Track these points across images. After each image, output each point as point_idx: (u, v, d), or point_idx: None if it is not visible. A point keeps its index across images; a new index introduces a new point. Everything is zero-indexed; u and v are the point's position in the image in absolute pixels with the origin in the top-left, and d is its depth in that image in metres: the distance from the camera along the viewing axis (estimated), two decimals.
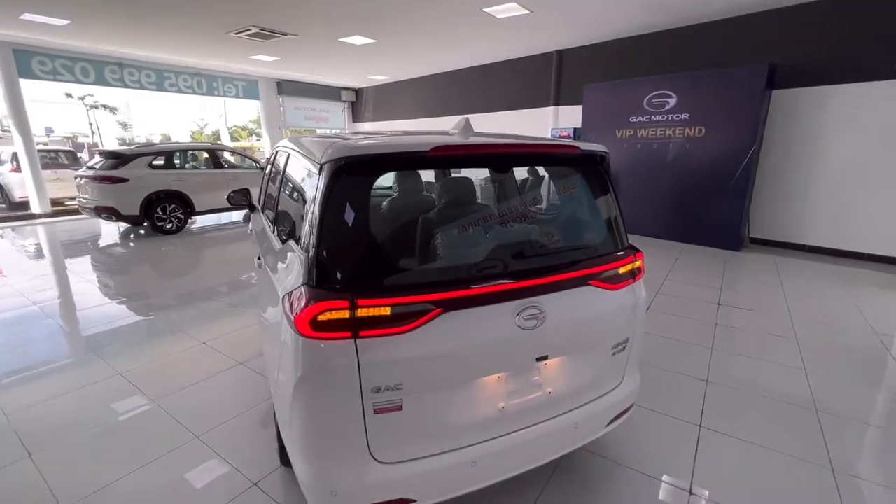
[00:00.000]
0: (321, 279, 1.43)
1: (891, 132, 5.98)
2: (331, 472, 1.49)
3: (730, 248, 6.89)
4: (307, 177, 1.79)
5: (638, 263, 1.96)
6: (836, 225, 6.62)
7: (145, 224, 7.79)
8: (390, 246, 1.72)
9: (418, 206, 2.31)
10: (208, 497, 2.07)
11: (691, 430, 2.56)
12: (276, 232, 2.31)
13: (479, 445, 1.64)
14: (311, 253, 1.46)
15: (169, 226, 7.83)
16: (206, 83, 11.67)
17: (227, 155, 9.18)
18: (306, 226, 1.55)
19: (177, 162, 8.07)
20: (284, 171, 2.43)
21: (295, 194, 2.05)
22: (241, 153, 9.52)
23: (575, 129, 8.78)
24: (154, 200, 7.62)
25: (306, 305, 1.40)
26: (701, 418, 2.67)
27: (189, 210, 8.11)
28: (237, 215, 10.20)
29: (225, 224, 9.25)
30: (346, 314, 1.38)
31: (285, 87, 13.33)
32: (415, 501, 1.57)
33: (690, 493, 2.10)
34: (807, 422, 2.64)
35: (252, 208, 3.84)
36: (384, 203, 2.51)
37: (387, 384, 1.43)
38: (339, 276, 1.45)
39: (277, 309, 1.66)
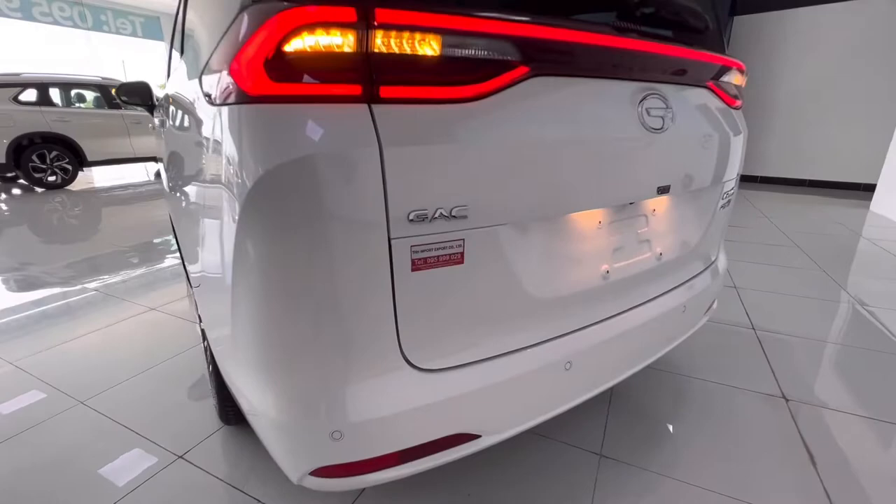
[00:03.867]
0: None
1: (841, 54, 6.01)
2: (328, 397, 0.76)
3: None
4: None
5: (743, 83, 1.35)
6: (794, 154, 6.68)
7: (17, 178, 6.13)
8: None
9: None
10: (112, 481, 1.25)
11: (748, 334, 2.11)
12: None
13: (575, 335, 0.98)
14: None
15: (52, 178, 6.25)
16: (92, 15, 9.56)
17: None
18: None
19: (57, 99, 6.40)
20: None
21: None
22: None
23: None
24: (27, 146, 5.98)
25: (260, 25, 0.63)
26: (751, 322, 2.23)
27: (79, 160, 6.53)
28: (149, 172, 8.55)
29: (132, 184, 7.62)
30: (350, 38, 0.63)
31: None
32: (478, 437, 0.89)
33: (786, 399, 1.62)
34: (857, 312, 2.31)
35: (151, 108, 2.81)
36: None
37: (439, 205, 0.71)
38: None
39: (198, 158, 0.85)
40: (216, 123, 0.75)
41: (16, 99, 5.96)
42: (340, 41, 0.63)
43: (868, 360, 1.89)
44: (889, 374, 1.78)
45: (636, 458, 1.32)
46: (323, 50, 0.63)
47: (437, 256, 0.74)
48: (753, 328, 2.19)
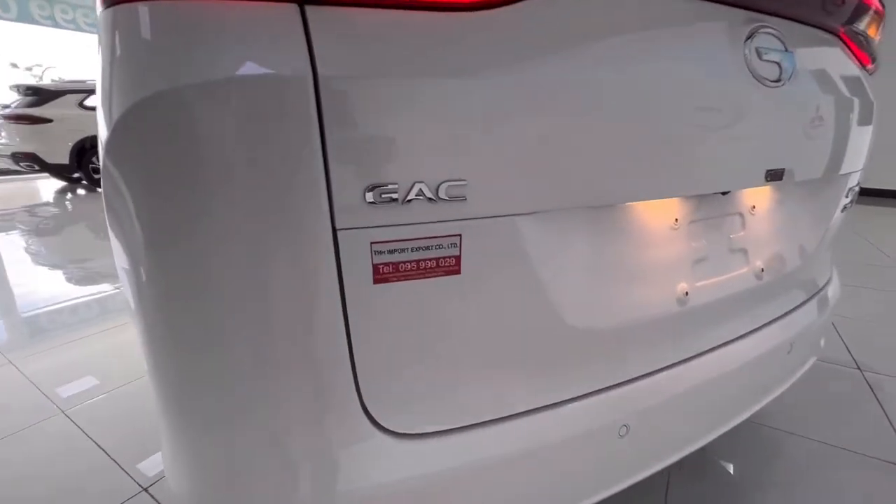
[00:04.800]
0: None
1: None
2: (243, 483, 0.49)
3: None
4: None
5: (877, 36, 0.98)
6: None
7: (82, 179, 6.51)
8: None
9: None
10: None
11: (852, 376, 1.66)
12: None
13: (635, 385, 0.66)
14: None
15: None
16: None
17: None
18: None
19: None
20: None
21: None
22: None
23: None
24: (89, 148, 6.32)
25: None
26: (854, 360, 1.77)
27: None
28: None
29: None
30: None
31: None
32: None
33: None
34: None
35: None
36: None
37: (418, 177, 0.43)
38: None
39: None
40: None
41: (81, 104, 6.33)
42: None
43: None
44: None
45: None
46: None
47: (417, 261, 0.46)
48: (859, 368, 1.74)
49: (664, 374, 0.69)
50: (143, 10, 0.39)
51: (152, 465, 1.22)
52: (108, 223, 0.46)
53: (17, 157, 6.02)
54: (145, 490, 1.14)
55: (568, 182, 0.51)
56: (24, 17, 8.35)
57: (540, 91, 0.47)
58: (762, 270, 0.79)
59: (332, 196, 0.42)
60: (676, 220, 0.67)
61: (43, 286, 2.78)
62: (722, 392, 0.77)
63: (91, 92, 6.46)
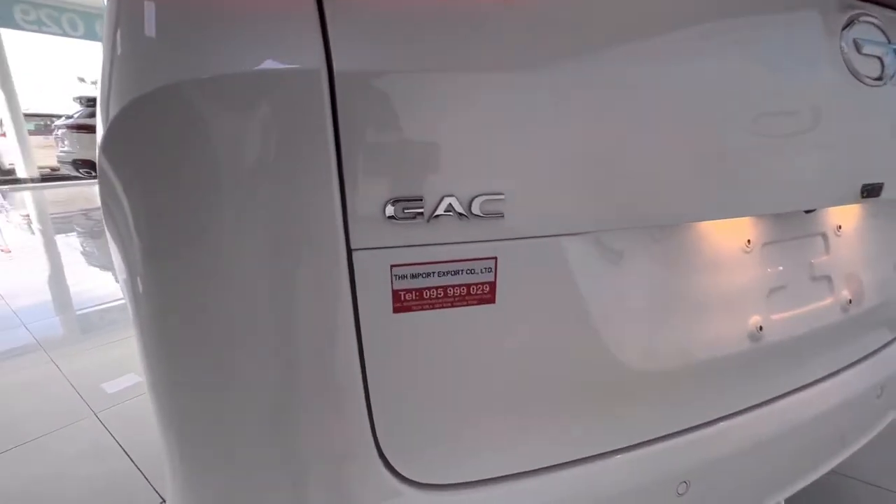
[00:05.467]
0: None
1: None
2: None
3: None
4: None
5: None
6: None
7: None
8: None
9: None
10: None
11: None
12: None
13: (698, 434, 0.56)
14: None
15: None
16: None
17: None
18: None
19: None
20: None
21: None
22: None
23: None
24: None
25: None
26: None
27: None
28: None
29: None
30: None
31: None
32: None
33: None
34: None
35: None
36: None
37: (448, 190, 0.37)
38: None
39: None
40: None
41: None
42: None
43: None
44: None
45: None
46: None
47: (445, 288, 0.39)
48: None
49: (732, 421, 0.58)
50: None
51: None
52: (105, 229, 0.42)
53: (77, 163, 6.46)
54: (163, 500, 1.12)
55: (625, 197, 0.43)
56: (91, 35, 9.00)
57: (592, 90, 0.40)
58: (849, 302, 0.67)
59: (347, 209, 0.36)
60: (749, 241, 0.57)
61: (95, 286, 2.91)
62: (799, 443, 0.66)
63: None
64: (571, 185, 0.40)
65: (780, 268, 0.61)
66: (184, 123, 0.34)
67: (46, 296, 2.83)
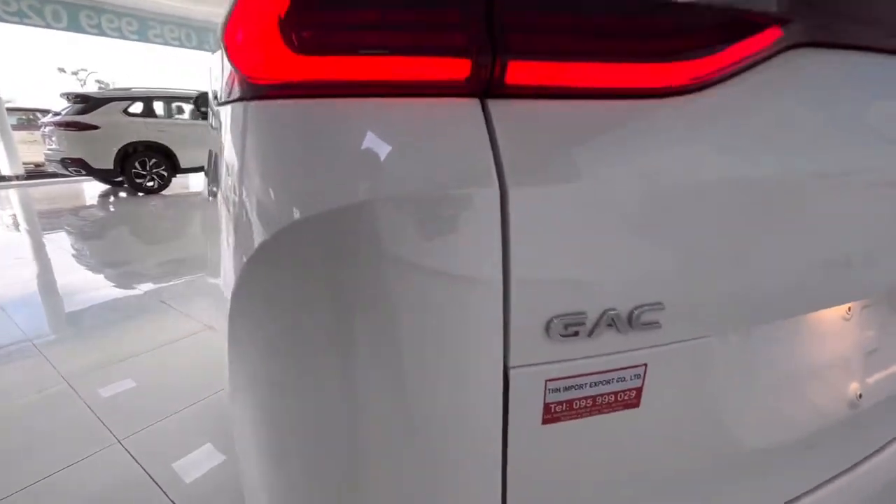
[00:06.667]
0: None
1: None
2: None
3: None
4: None
5: None
6: None
7: (123, 183, 6.71)
8: None
9: None
10: None
11: None
12: None
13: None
14: None
15: (150, 184, 6.74)
16: (196, 35, 10.45)
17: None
18: None
19: (158, 111, 6.94)
20: None
21: None
22: None
23: None
24: (131, 153, 6.51)
25: None
26: None
27: (173, 167, 7.01)
28: None
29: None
30: None
31: None
32: None
33: None
34: None
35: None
36: None
37: (609, 303, 0.35)
38: None
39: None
40: (218, 137, 0.45)
41: (126, 111, 6.53)
42: None
43: None
44: None
45: None
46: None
47: (594, 397, 0.38)
48: None
49: (833, 485, 0.58)
50: (292, 108, 0.32)
51: None
52: (229, 363, 0.39)
53: (65, 162, 6.26)
54: None
55: (773, 291, 0.41)
56: (74, 26, 8.70)
57: (750, 187, 0.38)
58: None
59: (509, 329, 0.34)
60: (849, 309, 0.57)
61: (85, 285, 2.83)
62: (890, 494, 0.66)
63: (135, 100, 6.66)
64: (728, 286, 0.39)
65: (875, 331, 0.60)
66: (364, 240, 0.31)
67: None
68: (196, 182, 8.51)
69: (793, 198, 0.40)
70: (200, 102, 2.57)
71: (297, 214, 0.31)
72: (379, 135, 0.31)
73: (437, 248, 0.31)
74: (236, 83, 0.36)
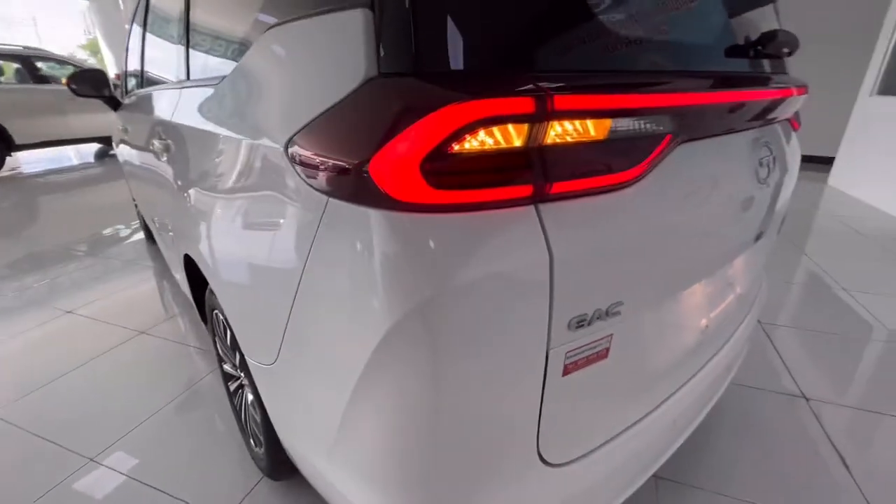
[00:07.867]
0: (427, 56, 0.52)
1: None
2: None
3: None
4: None
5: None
6: None
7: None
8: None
9: None
10: None
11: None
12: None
13: (680, 392, 0.95)
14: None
15: None
16: None
17: (54, 67, 6.56)
18: None
19: None
20: None
21: None
22: (77, 64, 6.94)
23: None
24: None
25: (417, 117, 0.49)
26: None
27: (6, 144, 5.75)
28: (86, 153, 7.74)
29: (68, 167, 6.87)
30: (524, 131, 0.52)
31: None
32: None
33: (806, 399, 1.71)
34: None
35: (113, 101, 2.54)
36: None
37: (597, 305, 0.63)
38: (469, 48, 0.54)
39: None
40: (324, 216, 0.61)
41: None
42: (514, 136, 0.52)
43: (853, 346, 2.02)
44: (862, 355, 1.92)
45: (690, 477, 1.35)
46: (493, 148, 0.51)
47: (587, 357, 0.67)
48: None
49: (693, 380, 0.98)
50: (378, 217, 0.53)
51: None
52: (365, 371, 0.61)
53: None
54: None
55: (675, 282, 0.79)
56: None
57: (665, 228, 0.70)
58: (739, 293, 1.11)
59: (551, 330, 0.60)
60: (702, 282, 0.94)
61: None
62: (717, 380, 1.10)
63: None
64: (654, 285, 0.70)
65: (717, 287, 1.00)
66: (465, 303, 0.54)
67: None
68: (40, 160, 7.08)
69: (691, 224, 0.72)
70: (77, 82, 2.29)
71: (432, 287, 0.53)
72: (482, 233, 0.53)
73: (516, 298, 0.56)
74: (367, 192, 0.53)
